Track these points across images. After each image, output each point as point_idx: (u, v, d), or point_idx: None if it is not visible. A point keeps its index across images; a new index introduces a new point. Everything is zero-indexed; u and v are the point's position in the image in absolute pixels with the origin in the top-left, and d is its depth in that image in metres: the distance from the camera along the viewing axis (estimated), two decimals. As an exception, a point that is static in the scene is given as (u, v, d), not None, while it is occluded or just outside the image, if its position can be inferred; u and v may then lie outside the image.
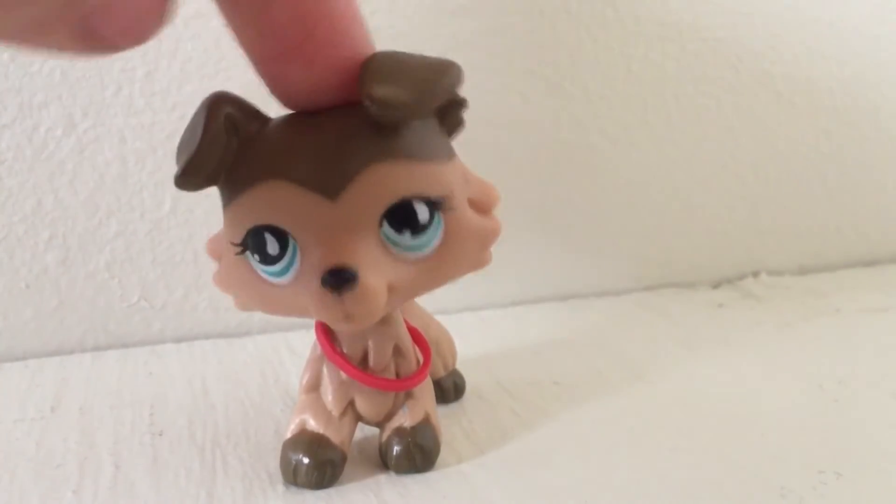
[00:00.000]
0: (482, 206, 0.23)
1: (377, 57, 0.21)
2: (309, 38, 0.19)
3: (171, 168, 0.35)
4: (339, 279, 0.21)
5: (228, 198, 0.22)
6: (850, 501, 0.23)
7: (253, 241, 0.22)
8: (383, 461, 0.25)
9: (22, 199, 0.35)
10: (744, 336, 0.38)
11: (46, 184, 0.35)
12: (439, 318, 0.30)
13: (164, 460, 0.26)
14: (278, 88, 0.22)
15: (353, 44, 0.20)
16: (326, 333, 0.25)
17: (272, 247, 0.22)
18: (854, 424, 0.29)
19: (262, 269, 0.22)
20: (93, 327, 0.37)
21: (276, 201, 0.21)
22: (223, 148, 0.21)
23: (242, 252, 0.22)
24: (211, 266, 0.23)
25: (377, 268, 0.21)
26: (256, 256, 0.22)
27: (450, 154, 0.23)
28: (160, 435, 0.28)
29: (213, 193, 0.36)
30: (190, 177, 0.21)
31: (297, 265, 0.22)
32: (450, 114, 0.23)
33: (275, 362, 0.35)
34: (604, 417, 0.29)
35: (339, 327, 0.24)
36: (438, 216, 0.22)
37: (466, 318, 0.41)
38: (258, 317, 0.39)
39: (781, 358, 0.35)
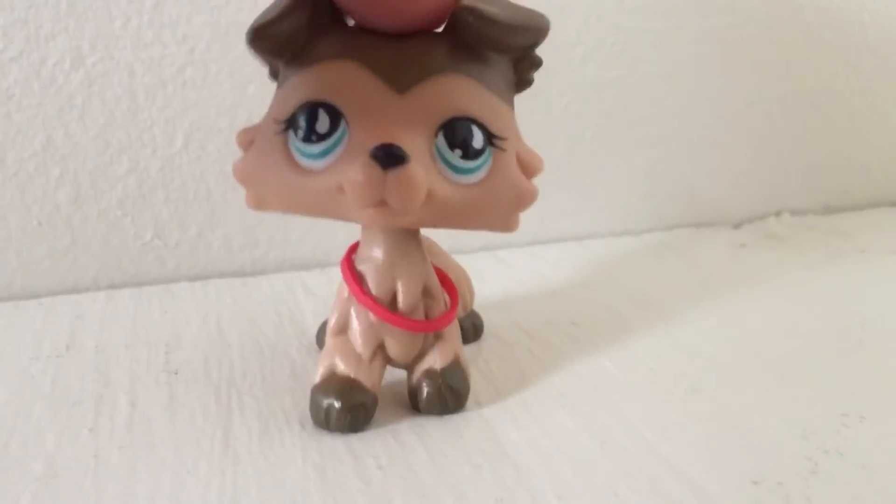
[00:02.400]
0: (526, 168, 0.23)
1: None
2: None
3: (182, 103, 0.35)
4: (388, 154, 0.20)
5: (289, 75, 0.22)
6: (873, 444, 0.23)
7: (302, 117, 0.22)
8: (413, 403, 0.25)
9: (31, 135, 0.34)
10: (765, 277, 0.37)
11: (55, 119, 0.34)
12: (456, 258, 0.30)
13: (179, 399, 0.26)
14: (359, 18, 0.22)
15: None
16: (354, 274, 0.24)
17: (322, 124, 0.21)
18: (878, 367, 0.28)
19: (301, 149, 0.22)
20: (106, 265, 0.36)
21: (343, 81, 0.21)
22: (301, 27, 0.21)
23: (286, 130, 0.22)
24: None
25: (424, 165, 0.21)
26: (300, 133, 0.22)
27: (512, 104, 0.24)
28: (175, 374, 0.28)
29: (226, 129, 0.36)
30: (262, 37, 0.21)
31: (340, 149, 0.22)
32: (524, 69, 0.24)
33: (289, 301, 0.35)
34: (622, 358, 0.29)
35: (367, 215, 0.22)
36: (490, 151, 0.22)
37: (483, 258, 0.40)
38: (273, 255, 0.38)
39: (804, 299, 0.35)
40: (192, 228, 0.37)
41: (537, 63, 0.24)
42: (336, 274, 0.25)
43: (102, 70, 0.34)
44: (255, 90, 0.36)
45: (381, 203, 0.21)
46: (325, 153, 0.22)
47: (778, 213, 0.47)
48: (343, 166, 0.21)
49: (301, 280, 0.37)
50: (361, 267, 0.24)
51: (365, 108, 0.21)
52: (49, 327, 0.32)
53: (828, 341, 0.30)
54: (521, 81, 0.24)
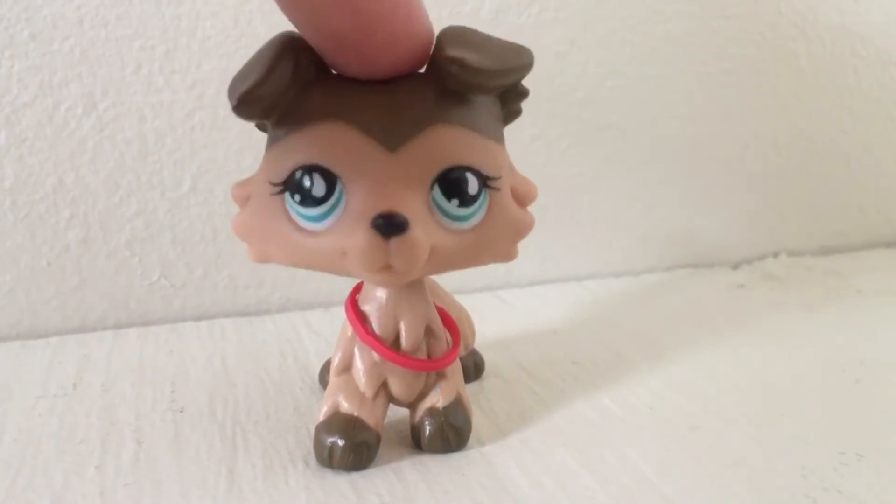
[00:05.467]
0: (520, 199, 0.24)
1: (455, 28, 0.21)
2: (367, 42, 0.20)
3: (191, 146, 0.36)
4: (390, 223, 0.21)
5: (279, 136, 0.22)
6: (870, 482, 0.23)
7: (298, 181, 0.22)
8: (415, 441, 0.25)
9: (43, 177, 0.35)
10: (764, 317, 0.38)
11: (67, 162, 0.35)
12: (458, 297, 0.30)
13: (185, 437, 0.26)
14: (336, 68, 0.22)
15: (410, 39, 0.21)
16: (358, 314, 0.24)
17: (318, 188, 0.21)
18: (875, 406, 0.29)
19: (300, 212, 0.22)
20: (114, 305, 0.37)
21: (334, 143, 0.21)
22: (287, 85, 0.21)
23: (281, 192, 0.22)
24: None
25: (424, 225, 0.21)
26: (297, 197, 0.22)
27: (502, 138, 0.24)
28: (181, 412, 0.28)
29: (233, 171, 0.37)
30: (248, 105, 0.20)
31: (339, 211, 0.22)
32: (511, 100, 0.24)
33: (293, 340, 0.35)
34: (622, 397, 0.29)
35: (372, 279, 0.23)
36: (485, 193, 0.22)
37: (485, 297, 0.41)
38: (277, 295, 0.39)
39: (802, 339, 0.35)
40: (198, 269, 0.38)
41: (523, 94, 0.24)
42: (339, 314, 0.26)
43: (114, 115, 0.35)
44: (262, 135, 0.36)
45: (386, 268, 0.21)
46: (324, 216, 0.22)
47: (776, 254, 0.47)
48: (344, 231, 0.21)
49: (305, 320, 0.38)
50: (365, 307, 0.25)
51: (359, 169, 0.21)
52: (56, 366, 0.32)
53: (825, 380, 0.31)
54: (509, 113, 0.24)
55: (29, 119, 0.34)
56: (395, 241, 0.21)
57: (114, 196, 0.36)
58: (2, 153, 0.34)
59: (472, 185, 0.22)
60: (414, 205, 0.21)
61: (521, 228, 0.24)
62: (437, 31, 0.22)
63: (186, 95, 0.36)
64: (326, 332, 0.36)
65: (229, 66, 0.36)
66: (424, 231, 0.21)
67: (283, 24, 0.21)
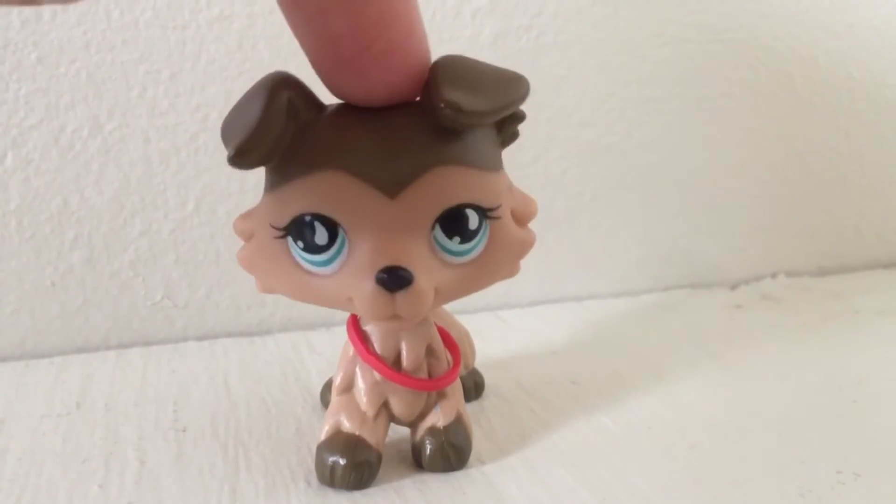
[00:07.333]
0: (521, 218, 0.24)
1: (448, 61, 0.21)
2: (365, 51, 0.20)
3: (195, 168, 0.36)
4: (395, 279, 0.21)
5: (279, 181, 0.22)
6: (867, 501, 0.24)
7: (299, 228, 0.22)
8: (416, 460, 0.26)
9: (48, 198, 0.35)
10: (762, 337, 0.38)
11: (72, 184, 0.35)
12: (458, 317, 0.30)
13: (187, 456, 0.26)
14: (332, 87, 0.22)
15: (408, 57, 0.21)
16: (359, 334, 0.25)
17: (321, 236, 0.22)
18: (873, 425, 0.29)
19: (303, 257, 0.22)
20: (117, 325, 0.37)
21: (333, 191, 0.21)
22: (281, 130, 0.21)
23: (284, 237, 0.22)
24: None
25: (428, 270, 0.22)
26: (300, 243, 0.22)
27: (500, 164, 0.24)
28: (184, 431, 0.28)
29: (236, 193, 0.37)
30: (245, 156, 0.20)
31: (342, 257, 0.22)
32: (508, 125, 0.24)
33: (295, 360, 0.35)
34: (621, 416, 0.29)
35: (380, 324, 0.23)
36: (486, 224, 0.23)
37: (485, 317, 0.41)
38: (279, 315, 0.39)
39: (800, 359, 0.35)
40: (201, 289, 0.38)
41: (521, 118, 0.24)
42: (340, 334, 0.26)
43: (119, 137, 0.35)
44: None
45: (394, 316, 0.22)
46: (328, 262, 0.22)
47: (774, 275, 0.48)
48: (349, 279, 0.22)
49: (306, 340, 0.38)
50: (366, 327, 0.25)
51: (360, 217, 0.21)
52: (60, 386, 0.32)
53: (823, 400, 0.31)
54: (507, 137, 0.24)
55: (35, 141, 0.35)
56: (400, 295, 0.21)
57: (118, 217, 0.36)
58: (8, 175, 0.35)
59: (473, 221, 0.22)
60: (417, 251, 0.22)
61: (523, 248, 0.24)
62: (435, 54, 0.22)
63: (191, 118, 0.36)
64: (328, 351, 0.36)
65: (233, 88, 0.36)
66: (428, 277, 0.22)
67: (285, 49, 0.21)
